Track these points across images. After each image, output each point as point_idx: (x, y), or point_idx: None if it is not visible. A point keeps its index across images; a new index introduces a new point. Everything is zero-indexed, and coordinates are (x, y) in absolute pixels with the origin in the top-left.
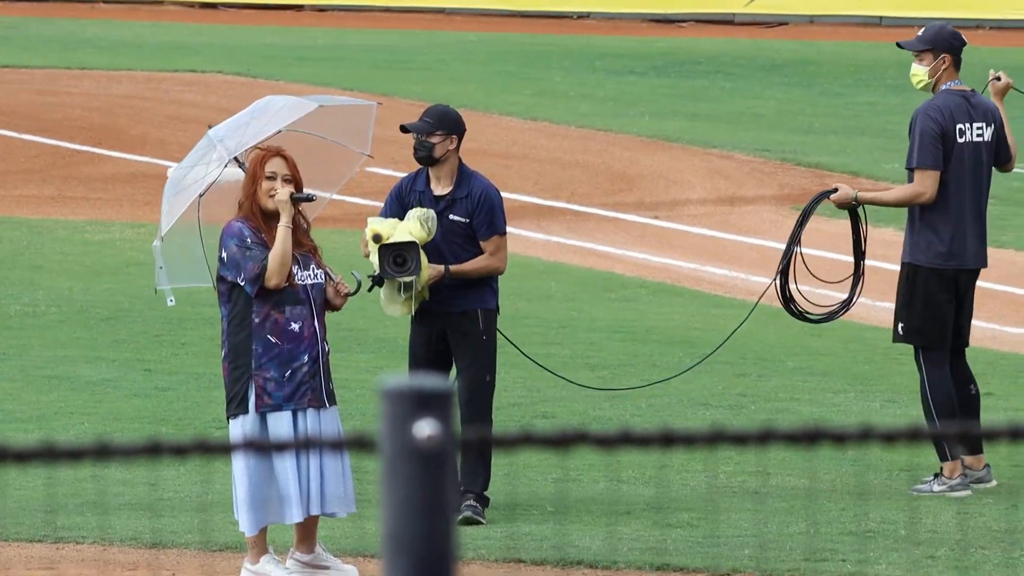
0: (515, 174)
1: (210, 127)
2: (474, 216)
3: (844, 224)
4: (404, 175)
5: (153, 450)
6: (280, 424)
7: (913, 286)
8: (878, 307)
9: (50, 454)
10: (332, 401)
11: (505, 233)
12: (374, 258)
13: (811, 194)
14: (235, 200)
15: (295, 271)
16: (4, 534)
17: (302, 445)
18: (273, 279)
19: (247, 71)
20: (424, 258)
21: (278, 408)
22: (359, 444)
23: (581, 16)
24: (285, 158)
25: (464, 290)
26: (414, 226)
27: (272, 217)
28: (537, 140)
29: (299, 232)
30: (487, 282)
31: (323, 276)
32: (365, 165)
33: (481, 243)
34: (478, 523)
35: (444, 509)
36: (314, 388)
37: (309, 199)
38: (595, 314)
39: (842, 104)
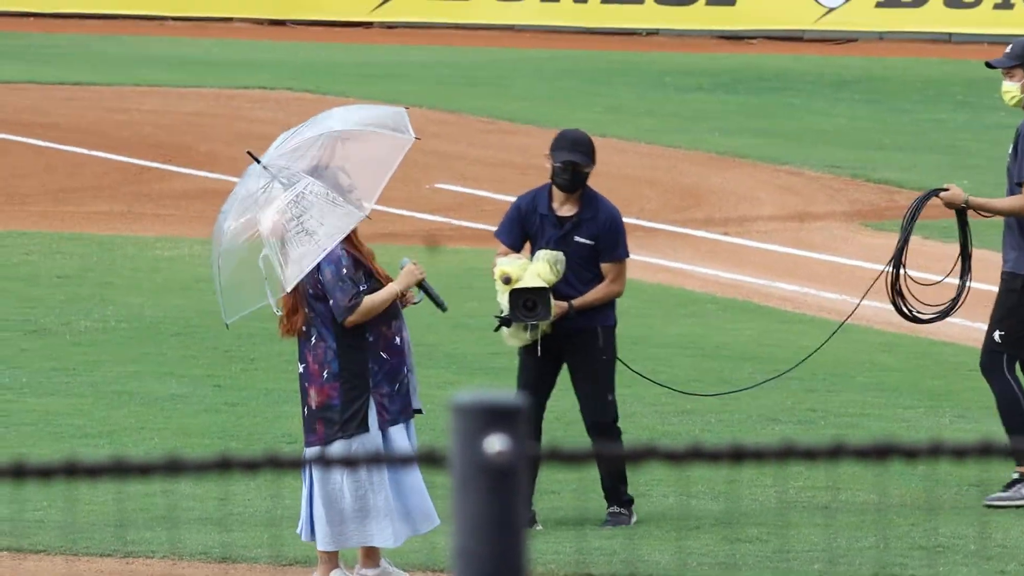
0: None
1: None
2: (599, 239)
3: (912, 240)
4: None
5: (223, 465)
6: (401, 437)
7: (1021, 296)
8: (948, 322)
9: (120, 469)
10: (416, 415)
11: (627, 257)
12: (502, 300)
13: (879, 210)
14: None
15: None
16: (75, 548)
17: (372, 461)
18: (358, 319)
19: (315, 88)
20: (551, 300)
21: (395, 422)
22: (430, 459)
23: (650, 33)
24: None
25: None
26: (543, 269)
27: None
28: (606, 156)
29: (358, 242)
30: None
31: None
32: (434, 182)
33: (603, 265)
34: (625, 524)
35: (514, 524)
36: (411, 398)
37: (441, 306)
38: (665, 330)
39: (910, 121)
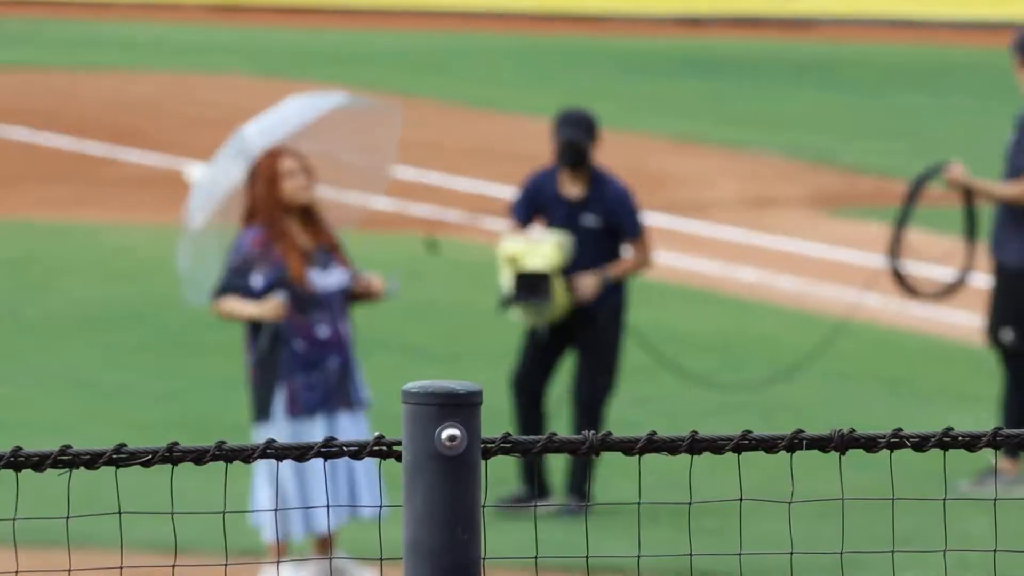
0: None
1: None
2: (610, 220)
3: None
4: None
5: (169, 454)
6: (313, 431)
7: None
8: (907, 310)
9: (69, 458)
10: (361, 405)
11: (641, 231)
12: (506, 281)
13: (842, 195)
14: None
15: (312, 274)
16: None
17: (326, 447)
18: (215, 310)
19: (269, 71)
20: (562, 284)
21: (310, 413)
22: (382, 448)
23: (606, 18)
24: (296, 154)
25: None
26: (551, 252)
27: (296, 214)
28: None
29: (319, 226)
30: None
31: (347, 275)
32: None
33: (628, 242)
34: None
35: (468, 515)
36: (344, 392)
37: (264, 351)
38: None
39: (874, 106)
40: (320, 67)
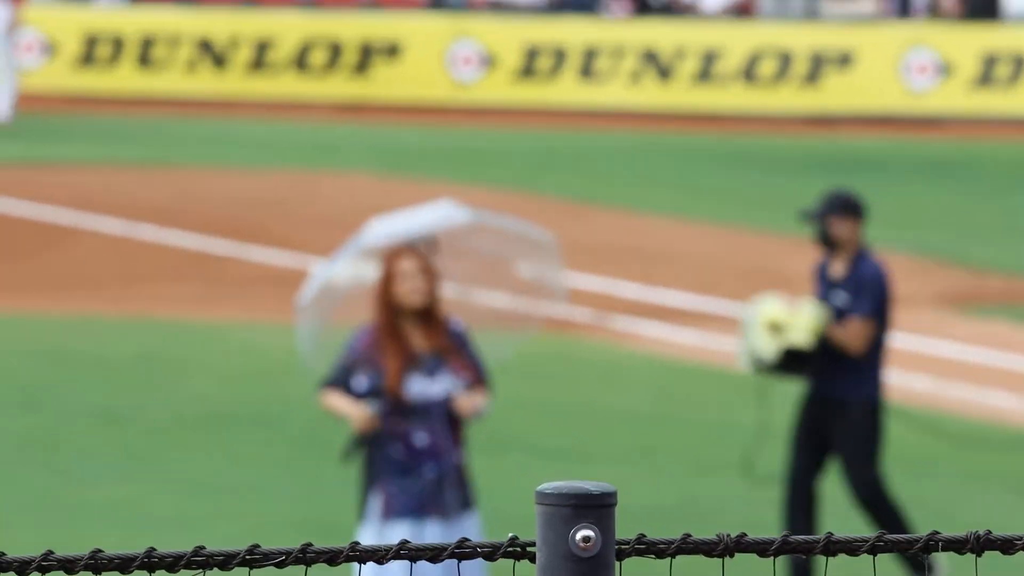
0: (669, 272)
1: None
2: (856, 294)
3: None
4: None
5: (303, 555)
6: (401, 534)
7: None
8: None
9: (198, 558)
10: (466, 508)
11: (867, 316)
12: (762, 343)
13: (970, 293)
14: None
15: (412, 381)
16: None
17: (460, 548)
18: (321, 404)
19: (393, 169)
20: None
21: (403, 516)
22: (516, 549)
23: (736, 116)
24: (417, 254)
25: (845, 376)
26: (812, 325)
27: (411, 317)
28: (691, 239)
29: (436, 329)
30: (868, 372)
31: (454, 384)
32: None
33: (852, 317)
34: None
35: None
36: (439, 500)
37: (348, 454)
38: (751, 418)
39: (1003, 205)
40: (444, 166)
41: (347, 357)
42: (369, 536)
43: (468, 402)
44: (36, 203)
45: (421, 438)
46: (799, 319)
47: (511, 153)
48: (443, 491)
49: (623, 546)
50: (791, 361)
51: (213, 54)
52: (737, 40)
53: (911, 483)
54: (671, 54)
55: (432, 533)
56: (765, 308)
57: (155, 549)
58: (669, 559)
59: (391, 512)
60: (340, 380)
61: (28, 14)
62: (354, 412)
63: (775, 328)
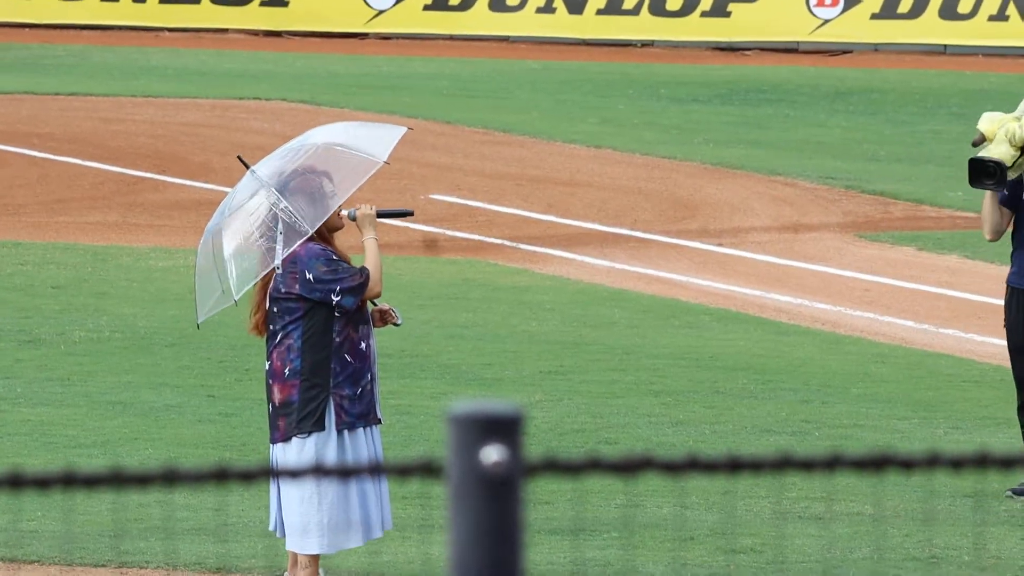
0: (579, 201)
1: (245, 163)
2: None
3: (907, 251)
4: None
5: (220, 475)
6: (358, 442)
7: None
8: (942, 333)
9: (118, 479)
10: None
11: None
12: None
13: (874, 222)
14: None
15: None
16: (70, 559)
17: (374, 469)
18: (376, 288)
19: (311, 99)
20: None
21: (353, 425)
22: (427, 470)
23: (645, 44)
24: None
25: None
26: (1020, 133)
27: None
28: (601, 167)
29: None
30: None
31: None
32: (431, 193)
33: None
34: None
35: (512, 536)
36: (373, 405)
37: (405, 214)
38: (659, 341)
39: (907, 132)
40: (361, 94)
41: (332, 257)
42: (331, 448)
43: (392, 316)
44: None
45: (365, 343)
46: (1000, 132)
47: (425, 83)
48: (375, 398)
49: (533, 466)
50: (982, 170)
51: None
52: None
53: (814, 404)
54: None
55: (370, 440)
56: (981, 120)
57: (75, 469)
58: (578, 478)
59: (343, 421)
60: (349, 270)
61: None
62: (364, 230)
63: (981, 141)
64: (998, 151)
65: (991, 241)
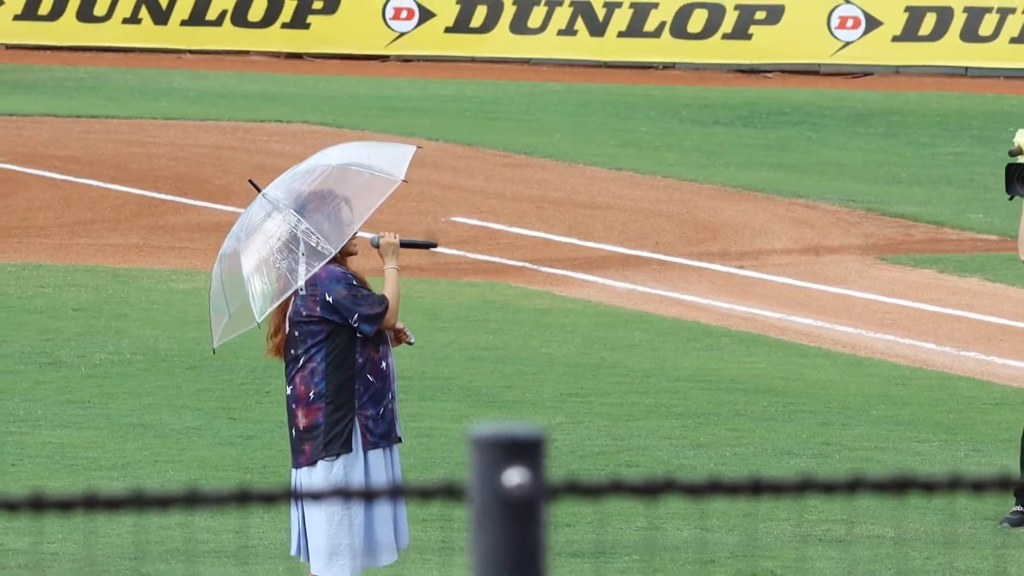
0: (600, 223)
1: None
2: None
3: (928, 273)
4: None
5: (242, 497)
6: (379, 462)
7: None
8: (962, 356)
9: (139, 501)
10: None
11: None
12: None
13: (895, 244)
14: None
15: None
16: None
17: (398, 491)
18: (391, 320)
19: (332, 121)
20: None
21: (376, 445)
22: (449, 492)
23: (667, 67)
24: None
25: None
26: None
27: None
28: (622, 190)
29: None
30: None
31: None
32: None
33: None
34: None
35: (533, 558)
36: (394, 424)
37: (429, 245)
38: (680, 363)
39: (928, 154)
40: (382, 117)
41: (352, 282)
42: (358, 470)
43: (406, 335)
44: None
45: (386, 363)
46: None
47: (446, 105)
48: (395, 416)
49: (555, 489)
50: (1016, 177)
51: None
52: None
53: (834, 427)
54: (602, 5)
55: (390, 460)
56: (1019, 134)
57: (96, 491)
58: (600, 501)
59: (368, 442)
60: (368, 296)
61: None
62: (387, 258)
63: (1018, 153)
64: None
65: None
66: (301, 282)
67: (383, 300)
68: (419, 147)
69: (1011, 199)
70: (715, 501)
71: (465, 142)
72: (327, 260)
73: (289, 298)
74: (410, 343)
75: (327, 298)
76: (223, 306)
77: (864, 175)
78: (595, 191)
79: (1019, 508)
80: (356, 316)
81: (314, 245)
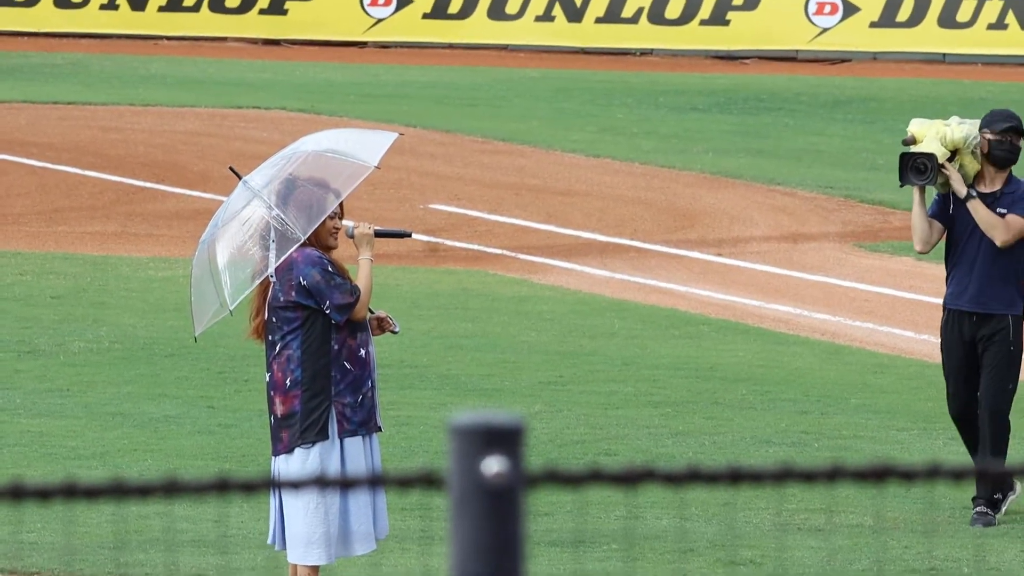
0: (578, 211)
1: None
2: (1012, 208)
3: (906, 261)
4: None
5: (222, 486)
6: (357, 450)
7: None
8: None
9: (119, 490)
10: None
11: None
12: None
13: (873, 231)
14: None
15: None
16: (70, 570)
17: (377, 480)
18: (361, 312)
19: (310, 107)
20: (953, 171)
21: (355, 433)
22: (428, 481)
23: (644, 53)
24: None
25: (994, 291)
26: (950, 135)
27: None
28: (600, 177)
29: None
30: (1017, 287)
31: None
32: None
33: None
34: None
35: (512, 547)
36: (374, 412)
37: (402, 235)
38: (658, 351)
39: None
40: (360, 103)
41: (328, 268)
42: (335, 458)
43: (389, 323)
44: None
45: (364, 351)
46: (932, 131)
47: (423, 91)
48: (376, 405)
49: (534, 477)
50: (913, 166)
51: None
52: None
53: (813, 415)
54: None
55: (369, 448)
56: (911, 125)
57: (75, 480)
58: (579, 489)
59: (345, 429)
60: (343, 284)
61: None
62: (361, 249)
63: (912, 142)
64: (929, 148)
65: (921, 253)
66: (271, 269)
67: (355, 291)
68: (400, 134)
69: (902, 187)
70: (694, 490)
71: (443, 128)
72: (297, 246)
73: (267, 282)
74: (395, 332)
75: (302, 282)
76: (211, 294)
77: (842, 162)
78: (573, 178)
79: (982, 509)
80: (328, 303)
81: (283, 231)
